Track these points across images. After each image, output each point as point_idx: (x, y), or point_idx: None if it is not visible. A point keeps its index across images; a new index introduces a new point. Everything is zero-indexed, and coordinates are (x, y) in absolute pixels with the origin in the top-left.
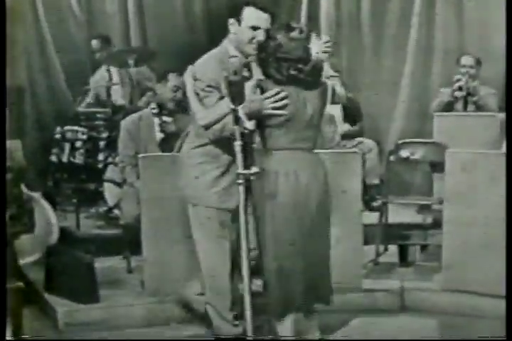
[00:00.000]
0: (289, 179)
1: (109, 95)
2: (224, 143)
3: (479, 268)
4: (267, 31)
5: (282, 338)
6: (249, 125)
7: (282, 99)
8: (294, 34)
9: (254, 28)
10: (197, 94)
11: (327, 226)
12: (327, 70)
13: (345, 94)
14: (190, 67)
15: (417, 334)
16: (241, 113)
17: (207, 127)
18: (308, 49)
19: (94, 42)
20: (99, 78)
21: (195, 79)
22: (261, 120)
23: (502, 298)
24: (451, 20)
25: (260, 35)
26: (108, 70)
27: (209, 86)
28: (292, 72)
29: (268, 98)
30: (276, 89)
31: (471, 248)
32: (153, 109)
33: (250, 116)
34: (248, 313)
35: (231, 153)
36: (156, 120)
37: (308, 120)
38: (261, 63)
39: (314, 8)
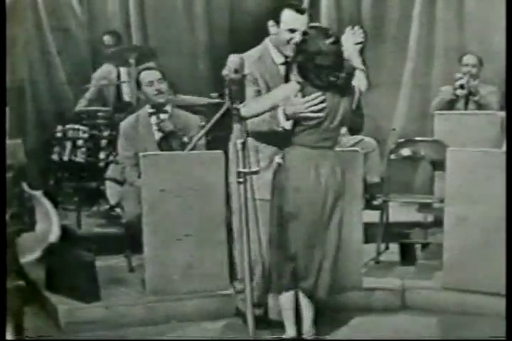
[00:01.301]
0: (309, 175)
1: (118, 93)
2: (264, 137)
3: (480, 266)
4: (304, 32)
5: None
6: (287, 125)
7: (321, 102)
8: (331, 41)
9: (292, 31)
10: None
11: (340, 222)
12: (358, 63)
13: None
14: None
15: (418, 333)
16: (281, 113)
17: (246, 119)
18: (343, 55)
19: (107, 38)
20: (101, 76)
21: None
22: (297, 121)
23: (502, 296)
24: (451, 20)
25: (298, 37)
26: (116, 68)
27: (248, 81)
28: (332, 79)
29: (308, 101)
30: (317, 94)
31: (471, 246)
32: (150, 109)
33: (289, 117)
34: (249, 313)
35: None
36: (153, 119)
37: (337, 123)
38: (299, 67)
39: (315, 8)
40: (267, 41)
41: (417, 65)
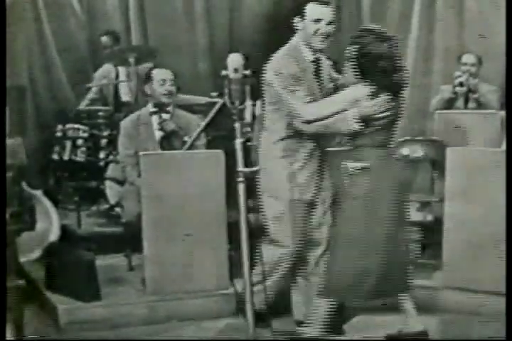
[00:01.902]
0: (369, 175)
1: (116, 92)
2: (303, 138)
3: (480, 266)
4: (361, 36)
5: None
6: (357, 126)
7: (389, 103)
8: (390, 44)
9: (317, 21)
10: (285, 89)
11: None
12: None
13: None
14: (269, 66)
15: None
16: (354, 115)
17: (310, 122)
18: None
19: (104, 39)
20: (102, 75)
21: (278, 75)
22: (366, 122)
23: (502, 296)
24: (451, 20)
25: (323, 27)
26: (115, 67)
27: (293, 81)
28: (395, 80)
29: (380, 103)
30: (386, 96)
31: (471, 246)
32: (152, 108)
33: (360, 119)
34: (249, 313)
35: (312, 147)
36: (155, 118)
37: (396, 123)
38: (363, 70)
39: None
40: (295, 39)
41: (417, 65)
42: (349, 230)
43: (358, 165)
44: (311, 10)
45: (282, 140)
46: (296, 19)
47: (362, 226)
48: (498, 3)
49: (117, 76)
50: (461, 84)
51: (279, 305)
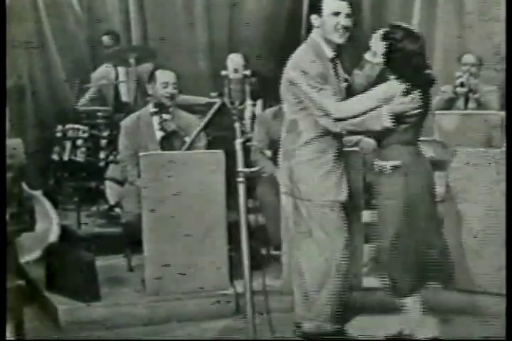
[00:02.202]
0: (402, 173)
1: (116, 92)
2: (330, 138)
3: (480, 266)
4: (390, 32)
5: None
6: (389, 124)
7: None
8: (420, 40)
9: (336, 14)
10: (313, 88)
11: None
12: None
13: None
14: (291, 65)
15: (418, 333)
16: (387, 112)
17: (342, 120)
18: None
19: (105, 38)
20: (100, 75)
21: (305, 74)
22: (399, 119)
23: (502, 296)
24: (451, 20)
25: (344, 21)
26: (115, 68)
27: (320, 79)
28: (427, 76)
29: (414, 99)
30: (418, 93)
31: (471, 245)
32: (152, 108)
33: (394, 116)
34: (249, 310)
35: (337, 147)
36: (156, 119)
37: (424, 120)
38: (396, 67)
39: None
40: (314, 36)
41: None
42: (390, 229)
43: (390, 163)
44: (329, 4)
45: (310, 141)
46: (314, 16)
47: (401, 224)
48: (499, 3)
49: (117, 76)
50: (461, 85)
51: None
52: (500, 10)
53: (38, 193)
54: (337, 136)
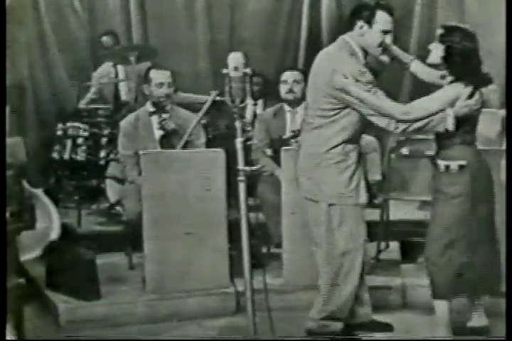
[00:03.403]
0: (468, 173)
1: (116, 91)
2: (354, 140)
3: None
4: (447, 33)
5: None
6: (452, 126)
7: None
8: (475, 40)
9: (385, 32)
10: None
11: (492, 219)
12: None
13: None
14: (336, 72)
15: (419, 331)
16: (452, 115)
17: (404, 121)
18: None
19: (105, 39)
20: (101, 74)
21: (357, 81)
22: (463, 121)
23: (502, 295)
24: (451, 20)
25: (389, 39)
26: (114, 67)
27: (369, 82)
28: (486, 77)
29: (477, 101)
30: (479, 94)
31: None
32: (151, 108)
33: (457, 118)
34: (249, 309)
35: (358, 150)
36: (155, 118)
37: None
38: (456, 68)
39: (315, 8)
40: (349, 41)
41: None
42: (450, 230)
43: (457, 163)
44: (382, 19)
45: (338, 145)
46: (361, 23)
47: (463, 225)
48: (499, 3)
49: (117, 75)
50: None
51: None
52: (501, 9)
53: (38, 191)
54: (358, 141)
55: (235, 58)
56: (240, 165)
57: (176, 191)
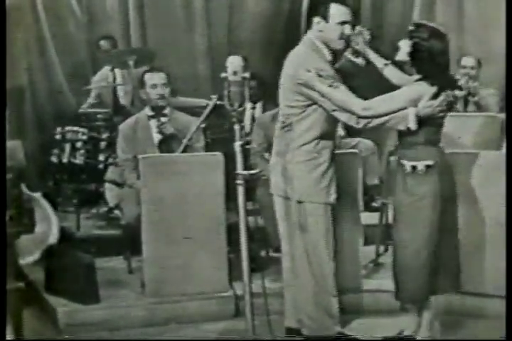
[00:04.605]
0: (437, 171)
1: (114, 96)
2: (327, 138)
3: (479, 268)
4: (414, 30)
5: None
6: (414, 125)
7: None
8: (445, 39)
9: (343, 23)
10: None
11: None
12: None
13: None
14: (301, 67)
15: (418, 335)
16: (414, 113)
17: (366, 118)
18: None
19: (103, 42)
20: (100, 78)
21: (319, 76)
22: (425, 121)
23: (502, 297)
24: (451, 21)
25: (347, 29)
26: (112, 71)
27: (331, 77)
28: (453, 79)
29: (442, 102)
30: (445, 95)
31: (471, 248)
32: (149, 111)
33: (419, 118)
34: (248, 312)
35: (331, 149)
36: (153, 122)
37: (444, 120)
38: (422, 67)
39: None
40: (312, 39)
41: None
42: (414, 231)
43: (423, 163)
44: (337, 12)
45: (309, 142)
46: (317, 19)
47: (432, 226)
48: (498, 6)
49: (114, 79)
50: (460, 88)
51: None
52: (500, 12)
53: (37, 195)
54: (333, 138)
55: (234, 62)
56: (239, 169)
57: (174, 195)
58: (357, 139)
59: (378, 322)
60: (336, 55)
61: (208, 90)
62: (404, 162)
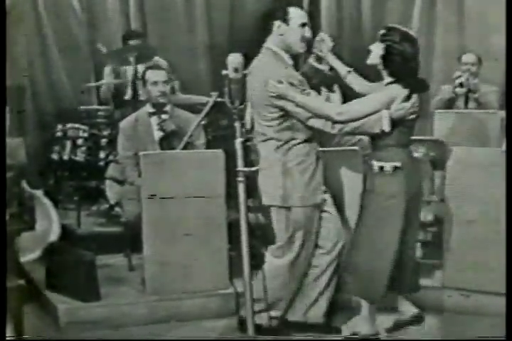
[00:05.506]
0: (402, 174)
1: (116, 91)
2: (314, 140)
3: (480, 266)
4: (386, 34)
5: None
6: (388, 128)
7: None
8: (416, 43)
9: (303, 25)
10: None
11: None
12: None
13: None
14: (273, 79)
15: (418, 332)
16: (387, 116)
17: (341, 123)
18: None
19: (101, 46)
20: (107, 75)
21: (291, 85)
22: (398, 123)
23: (502, 296)
24: (451, 20)
25: (308, 32)
26: (117, 67)
27: (301, 84)
28: (424, 82)
29: (414, 104)
30: (416, 97)
31: (471, 245)
32: (150, 108)
33: (392, 120)
34: (248, 312)
35: (317, 150)
36: (154, 119)
37: (415, 123)
38: (394, 70)
39: (315, 8)
40: (271, 48)
41: None
42: (380, 230)
43: (391, 164)
44: (296, 15)
45: (294, 147)
46: (278, 23)
47: (395, 225)
48: (498, 3)
49: (118, 75)
50: (461, 85)
51: None
52: (500, 9)
53: (38, 192)
54: (317, 139)
55: (234, 60)
56: (240, 166)
57: (175, 192)
58: (357, 137)
59: (379, 320)
60: (297, 60)
61: (209, 87)
62: (373, 162)
